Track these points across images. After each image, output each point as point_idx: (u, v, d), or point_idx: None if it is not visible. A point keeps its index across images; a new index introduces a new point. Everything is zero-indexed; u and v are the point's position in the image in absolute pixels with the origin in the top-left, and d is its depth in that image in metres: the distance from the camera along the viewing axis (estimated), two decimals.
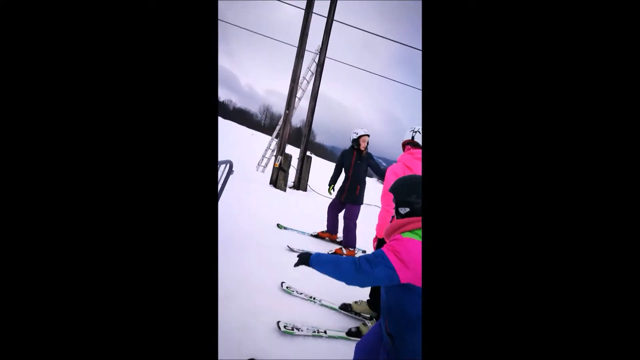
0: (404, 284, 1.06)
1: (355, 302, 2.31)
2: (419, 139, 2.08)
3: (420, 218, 1.13)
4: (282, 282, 2.35)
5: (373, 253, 1.11)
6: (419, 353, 1.06)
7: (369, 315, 2.24)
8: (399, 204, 1.22)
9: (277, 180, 5.91)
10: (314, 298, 2.28)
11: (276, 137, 7.46)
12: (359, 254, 3.41)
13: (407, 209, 1.19)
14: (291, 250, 3.08)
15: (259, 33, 8.18)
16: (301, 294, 2.29)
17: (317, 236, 3.72)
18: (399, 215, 1.22)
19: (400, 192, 1.22)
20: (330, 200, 3.74)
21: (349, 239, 3.37)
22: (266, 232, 3.42)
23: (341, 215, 3.64)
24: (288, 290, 2.28)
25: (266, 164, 7.55)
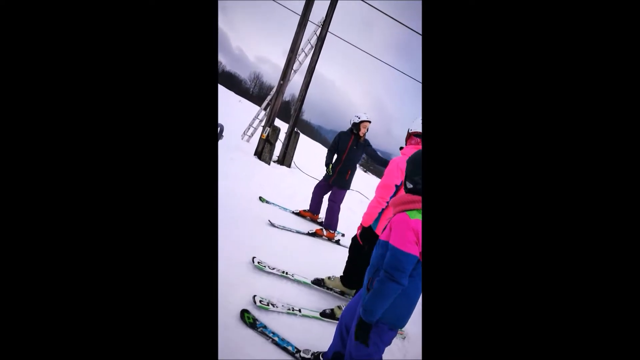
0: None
1: (329, 278, 2.32)
2: None
3: None
4: (254, 258, 2.24)
5: (392, 256, 1.14)
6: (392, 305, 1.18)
7: (339, 290, 2.28)
8: (407, 178, 1.30)
9: (263, 152, 5.76)
10: (287, 273, 2.26)
11: (265, 108, 7.21)
12: (337, 237, 3.43)
13: (411, 186, 1.26)
14: (272, 225, 3.04)
15: None
16: (273, 269, 2.23)
17: (298, 214, 3.69)
18: (405, 188, 1.30)
19: (411, 168, 1.28)
20: (317, 181, 3.69)
21: (332, 222, 3.37)
22: (248, 203, 3.35)
23: (326, 197, 3.61)
24: (260, 266, 2.19)
25: (252, 134, 7.33)
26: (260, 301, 1.83)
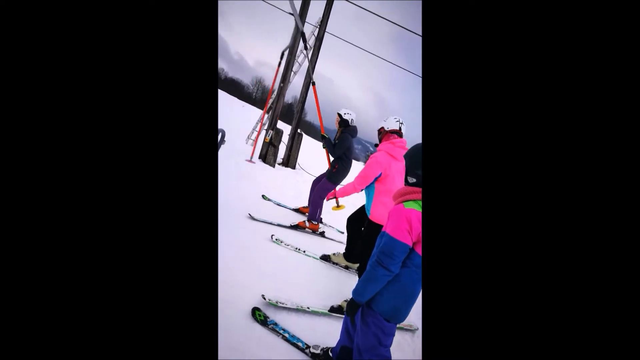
0: None
1: (334, 254, 2.77)
2: (403, 130, 2.33)
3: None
4: (272, 235, 2.74)
5: (383, 242, 1.17)
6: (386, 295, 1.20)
7: (344, 265, 2.71)
8: (408, 172, 1.26)
9: (267, 155, 5.81)
10: (299, 249, 2.74)
11: (267, 112, 7.26)
12: (322, 229, 3.44)
13: (414, 180, 1.23)
14: (252, 218, 3.06)
15: None
16: (288, 245, 2.72)
17: (297, 210, 3.76)
18: (406, 182, 1.27)
19: (412, 162, 1.25)
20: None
21: (313, 213, 3.32)
22: (253, 205, 3.39)
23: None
24: (277, 242, 2.69)
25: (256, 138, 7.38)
26: (269, 300, 1.85)
